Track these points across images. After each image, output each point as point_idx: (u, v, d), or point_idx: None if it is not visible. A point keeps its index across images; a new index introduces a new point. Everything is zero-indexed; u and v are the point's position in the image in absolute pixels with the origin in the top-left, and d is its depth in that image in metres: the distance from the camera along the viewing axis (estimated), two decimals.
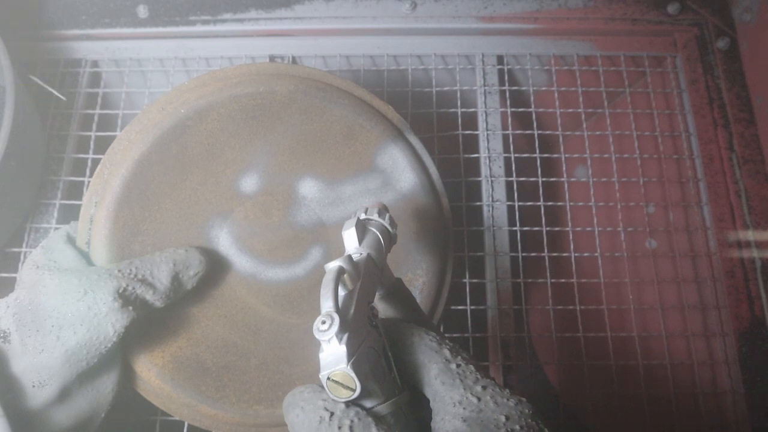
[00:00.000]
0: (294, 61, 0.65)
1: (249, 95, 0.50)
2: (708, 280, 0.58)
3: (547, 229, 0.58)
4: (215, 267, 0.49)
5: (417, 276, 0.51)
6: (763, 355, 0.55)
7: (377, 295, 0.39)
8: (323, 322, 0.30)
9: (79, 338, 0.40)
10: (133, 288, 0.42)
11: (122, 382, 0.46)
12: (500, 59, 0.65)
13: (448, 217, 0.54)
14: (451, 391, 0.32)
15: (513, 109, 0.65)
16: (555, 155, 0.65)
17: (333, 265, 0.33)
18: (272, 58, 0.64)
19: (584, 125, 0.64)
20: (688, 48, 0.65)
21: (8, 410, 0.39)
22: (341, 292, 0.33)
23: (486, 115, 0.63)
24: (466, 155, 0.61)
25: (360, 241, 0.37)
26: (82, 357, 0.41)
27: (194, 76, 0.62)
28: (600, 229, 0.59)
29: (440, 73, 0.65)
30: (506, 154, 0.61)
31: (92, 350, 0.41)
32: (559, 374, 0.56)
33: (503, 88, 0.64)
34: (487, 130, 0.62)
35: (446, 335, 0.54)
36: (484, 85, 0.64)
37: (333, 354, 0.30)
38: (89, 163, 0.60)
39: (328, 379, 0.30)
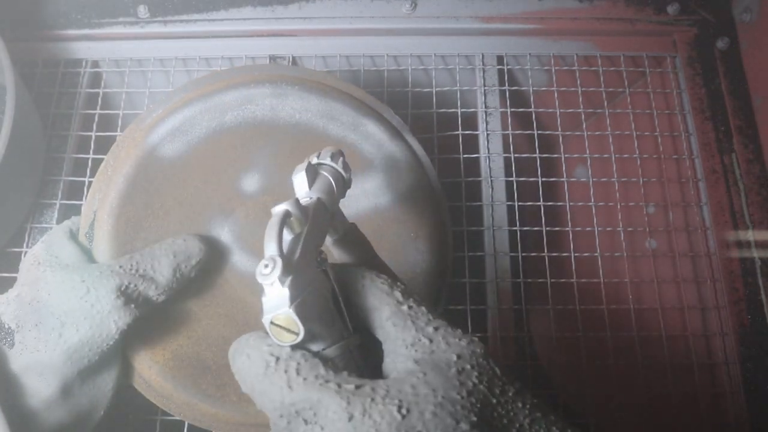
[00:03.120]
0: (294, 61, 0.65)
1: (251, 96, 0.50)
2: (708, 280, 0.58)
3: (547, 229, 0.58)
4: (216, 265, 0.49)
5: (417, 276, 0.51)
6: (763, 355, 0.55)
7: (330, 240, 0.38)
8: (266, 266, 0.29)
9: (82, 336, 0.40)
10: (135, 285, 0.42)
11: (122, 378, 0.46)
12: (500, 59, 0.65)
13: (447, 217, 0.54)
14: (402, 333, 0.32)
15: (513, 109, 0.65)
16: (555, 155, 0.65)
17: (279, 208, 0.32)
18: (272, 59, 0.64)
19: (584, 125, 0.64)
20: (688, 48, 0.65)
21: (8, 407, 0.39)
22: (287, 236, 0.32)
23: (486, 116, 0.63)
24: (466, 155, 0.61)
25: (310, 185, 0.36)
26: (83, 354, 0.41)
27: (194, 76, 0.62)
28: (600, 229, 0.59)
29: (440, 74, 0.65)
30: (506, 155, 0.61)
31: (94, 348, 0.41)
32: (559, 374, 0.56)
33: (503, 88, 0.64)
34: (487, 130, 0.62)
35: None
36: (484, 86, 0.64)
37: (275, 297, 0.29)
38: (89, 163, 0.60)
39: (271, 323, 0.29)
